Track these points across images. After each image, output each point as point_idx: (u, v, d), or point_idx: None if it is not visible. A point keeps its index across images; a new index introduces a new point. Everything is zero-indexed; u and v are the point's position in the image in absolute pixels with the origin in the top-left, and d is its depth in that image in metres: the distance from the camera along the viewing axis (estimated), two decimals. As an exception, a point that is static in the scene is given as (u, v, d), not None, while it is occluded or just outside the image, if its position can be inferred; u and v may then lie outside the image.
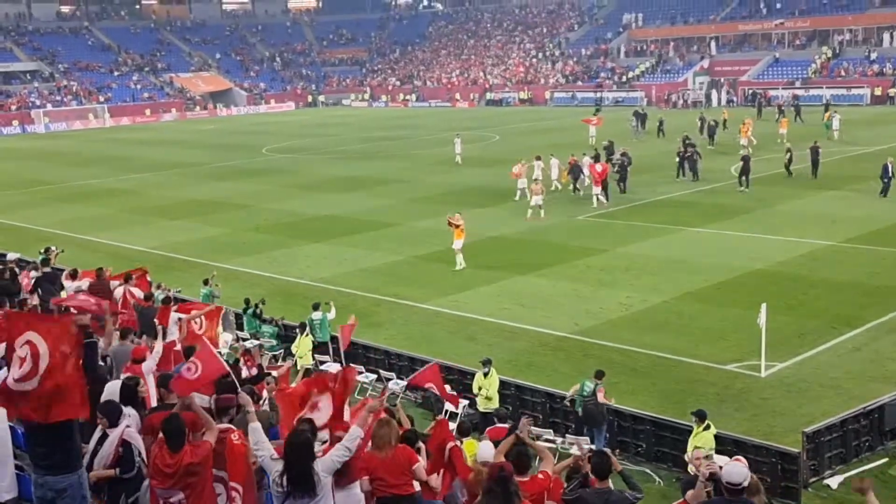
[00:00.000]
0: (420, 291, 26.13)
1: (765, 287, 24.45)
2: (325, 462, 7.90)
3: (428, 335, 22.45)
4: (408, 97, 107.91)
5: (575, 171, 39.85)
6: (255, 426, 8.30)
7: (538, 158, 41.34)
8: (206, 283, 23.74)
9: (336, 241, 33.30)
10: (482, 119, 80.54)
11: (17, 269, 22.58)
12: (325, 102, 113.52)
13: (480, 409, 16.49)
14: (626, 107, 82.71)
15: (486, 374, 16.50)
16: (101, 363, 11.38)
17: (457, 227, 28.10)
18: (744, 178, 38.60)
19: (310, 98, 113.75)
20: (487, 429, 13.84)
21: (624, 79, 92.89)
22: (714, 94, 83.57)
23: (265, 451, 8.12)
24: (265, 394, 12.63)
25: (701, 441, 13.84)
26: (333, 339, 20.64)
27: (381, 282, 27.42)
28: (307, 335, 19.83)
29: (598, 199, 36.96)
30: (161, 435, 8.33)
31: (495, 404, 16.39)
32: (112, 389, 9.86)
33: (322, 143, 67.16)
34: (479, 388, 16.52)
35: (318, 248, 32.42)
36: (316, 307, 20.75)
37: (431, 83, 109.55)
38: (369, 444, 8.91)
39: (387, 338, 22.05)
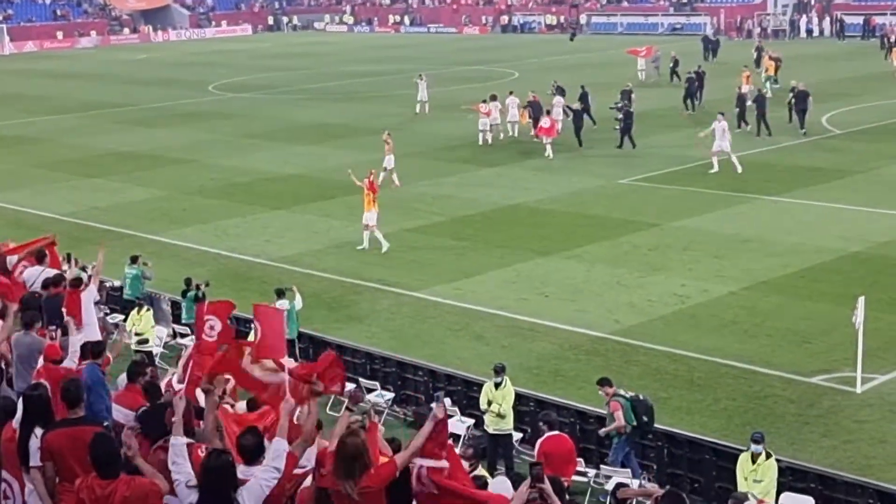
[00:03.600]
0: (413, 276, 26.14)
1: (863, 276, 24.42)
2: (251, 490, 8.03)
3: (422, 333, 22.47)
4: (400, 20, 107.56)
5: (535, 110, 41.34)
6: (178, 442, 8.42)
7: (493, 98, 42.70)
8: (133, 261, 23.76)
9: (304, 209, 33.30)
10: (497, 50, 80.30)
11: None
12: (293, 25, 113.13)
13: (490, 429, 16.54)
14: (686, 36, 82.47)
15: (497, 385, 16.52)
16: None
17: (371, 192, 27.77)
18: (798, 118, 40.74)
19: (271, 19, 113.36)
20: (541, 440, 13.94)
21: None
22: (803, 20, 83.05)
23: (182, 475, 8.25)
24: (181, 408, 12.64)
25: (763, 474, 13.86)
26: (300, 336, 20.67)
27: (361, 262, 27.41)
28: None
29: (549, 148, 38.75)
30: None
31: (509, 424, 16.48)
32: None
33: (287, 79, 67.00)
34: (489, 403, 16.55)
35: (280, 217, 32.41)
36: (281, 294, 20.84)
37: (431, 2, 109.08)
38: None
39: (369, 336, 22.08)
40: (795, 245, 27.14)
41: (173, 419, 8.76)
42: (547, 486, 8.69)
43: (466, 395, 18.21)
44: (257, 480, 8.11)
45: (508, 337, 22.02)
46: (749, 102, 41.71)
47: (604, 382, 16.18)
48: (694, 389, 19.15)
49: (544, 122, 39.60)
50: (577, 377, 19.79)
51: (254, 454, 8.39)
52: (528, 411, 17.39)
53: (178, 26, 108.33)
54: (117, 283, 23.69)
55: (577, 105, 41.90)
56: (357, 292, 25.17)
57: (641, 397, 15.99)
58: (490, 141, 41.82)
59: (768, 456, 14.00)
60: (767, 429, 16.14)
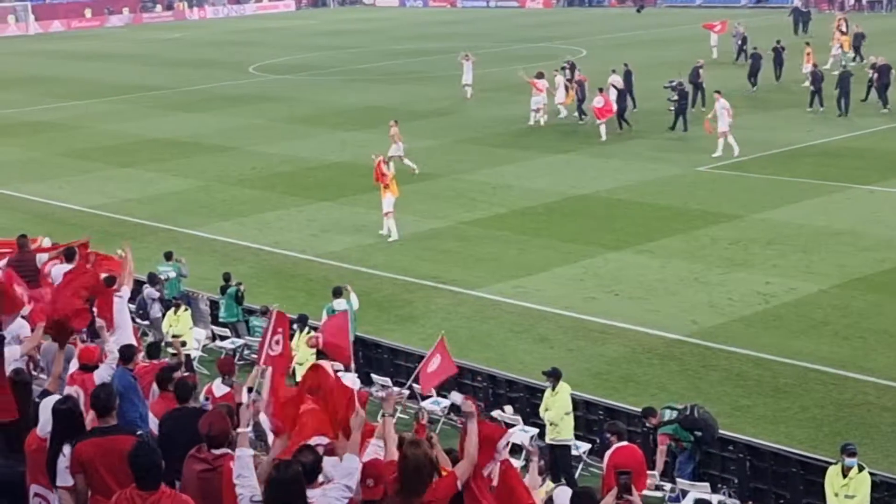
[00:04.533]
0: (471, 273, 26.28)
1: (969, 272, 24.26)
2: None
3: (481, 335, 22.58)
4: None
5: (581, 90, 42.40)
6: (244, 454, 8.48)
7: (540, 76, 43.29)
8: (168, 257, 24.03)
9: (352, 200, 33.48)
10: (563, 25, 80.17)
11: None
12: (340, 0, 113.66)
13: (546, 438, 16.71)
14: (771, 9, 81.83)
15: (553, 389, 16.74)
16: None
17: (384, 179, 28.82)
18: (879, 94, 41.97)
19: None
20: (610, 451, 14.05)
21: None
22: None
23: (247, 489, 8.30)
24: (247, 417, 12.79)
25: (856, 489, 13.83)
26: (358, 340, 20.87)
27: (415, 258, 27.60)
28: (308, 332, 20.04)
29: (603, 129, 39.47)
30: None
31: (563, 434, 16.68)
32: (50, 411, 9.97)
33: (334, 60, 67.40)
34: (546, 409, 16.78)
35: (326, 210, 32.64)
36: (338, 292, 20.97)
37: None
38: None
39: (423, 338, 22.13)
40: (893, 238, 26.92)
41: (239, 430, 8.84)
42: (636, 497, 8.76)
43: (530, 403, 18.28)
44: (328, 500, 8.09)
45: (575, 339, 22.07)
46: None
47: (647, 413, 16.27)
48: (779, 396, 19.09)
49: (597, 101, 39.79)
50: (650, 383, 19.81)
51: (311, 475, 8.35)
52: (597, 420, 17.47)
53: (216, 2, 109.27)
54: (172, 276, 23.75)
55: (619, 85, 42.23)
56: (410, 291, 25.34)
57: (689, 411, 15.98)
58: (542, 122, 42.54)
59: (861, 469, 13.97)
60: (860, 439, 16.09)
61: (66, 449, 9.35)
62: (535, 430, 17.47)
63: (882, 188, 31.48)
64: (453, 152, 39.00)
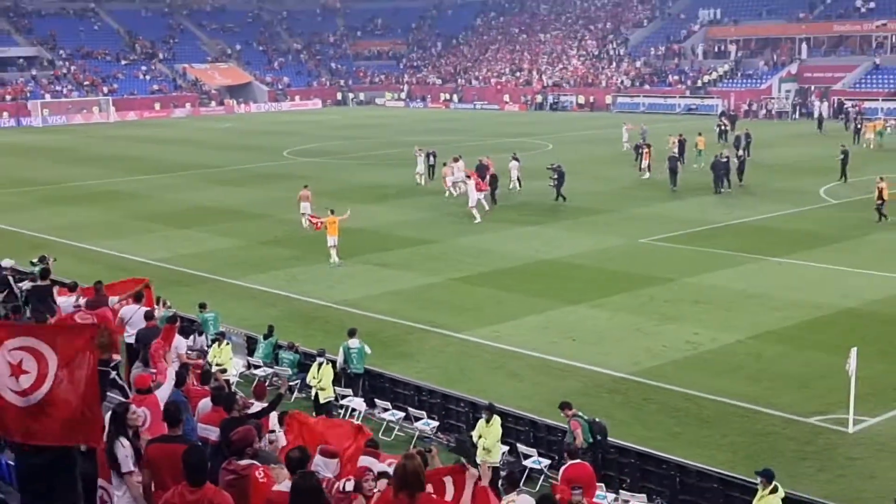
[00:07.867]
0: (457, 319, 26.19)
1: (856, 329, 24.16)
2: None
3: (465, 369, 22.48)
4: (450, 98, 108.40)
5: (481, 173, 42.20)
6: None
7: (455, 160, 44.49)
8: (202, 307, 23.53)
9: (364, 259, 33.47)
10: (534, 124, 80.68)
11: (10, 278, 23.04)
12: (357, 100, 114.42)
13: (479, 460, 16.56)
14: (699, 116, 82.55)
15: (488, 422, 16.59)
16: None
17: (321, 222, 32.72)
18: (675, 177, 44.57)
19: (339, 95, 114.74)
20: (564, 466, 13.99)
21: (699, 83, 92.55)
22: (817, 104, 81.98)
23: None
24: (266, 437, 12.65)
25: None
26: (365, 372, 20.73)
27: (413, 307, 27.52)
28: (327, 363, 19.91)
29: (479, 203, 39.33)
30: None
31: (495, 458, 16.51)
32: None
33: (351, 147, 67.67)
34: (479, 437, 16.61)
35: (342, 266, 32.59)
36: (352, 333, 20.84)
37: (478, 82, 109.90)
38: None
39: (418, 371, 22.11)
40: (796, 300, 26.89)
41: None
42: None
43: (503, 426, 18.11)
44: None
45: (540, 375, 21.96)
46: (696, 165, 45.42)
47: (565, 406, 16.39)
48: (704, 426, 18.99)
49: (472, 185, 39.52)
50: (599, 412, 19.48)
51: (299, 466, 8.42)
52: (556, 440, 17.33)
53: (259, 100, 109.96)
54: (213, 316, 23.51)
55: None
56: (408, 332, 25.23)
57: (597, 420, 16.33)
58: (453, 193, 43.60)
59: (774, 490, 13.66)
60: (769, 462, 15.94)
61: (124, 441, 9.29)
62: (506, 448, 17.27)
63: (788, 260, 31.48)
64: (447, 222, 39.02)
